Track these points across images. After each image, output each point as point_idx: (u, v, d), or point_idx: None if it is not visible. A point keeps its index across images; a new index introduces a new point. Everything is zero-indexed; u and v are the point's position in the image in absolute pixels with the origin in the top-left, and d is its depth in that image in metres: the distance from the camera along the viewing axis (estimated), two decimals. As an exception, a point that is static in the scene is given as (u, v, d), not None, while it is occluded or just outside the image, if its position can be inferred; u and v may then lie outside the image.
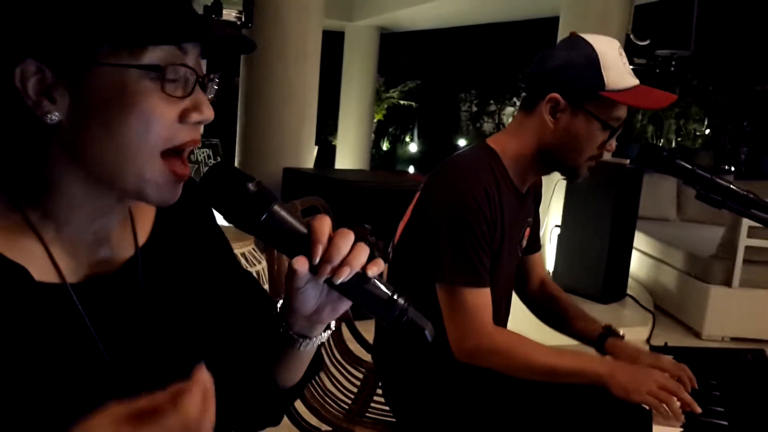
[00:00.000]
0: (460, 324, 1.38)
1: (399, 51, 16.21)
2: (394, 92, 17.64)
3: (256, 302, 0.88)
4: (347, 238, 0.69)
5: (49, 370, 0.67)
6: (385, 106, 17.34)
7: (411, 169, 16.53)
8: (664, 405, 1.21)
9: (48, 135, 0.65)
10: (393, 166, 17.53)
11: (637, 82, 1.39)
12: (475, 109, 20.60)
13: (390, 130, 19.29)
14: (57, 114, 0.63)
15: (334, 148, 10.89)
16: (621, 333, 1.54)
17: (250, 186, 0.68)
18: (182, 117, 0.67)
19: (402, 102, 17.82)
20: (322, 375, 1.70)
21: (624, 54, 1.41)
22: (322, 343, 0.84)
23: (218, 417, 0.63)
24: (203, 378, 0.57)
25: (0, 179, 0.69)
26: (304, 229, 0.69)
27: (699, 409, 1.21)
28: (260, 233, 0.69)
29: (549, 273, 4.33)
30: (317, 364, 0.92)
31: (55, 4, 0.61)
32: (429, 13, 8.54)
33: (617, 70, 1.36)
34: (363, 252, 0.70)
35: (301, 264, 0.68)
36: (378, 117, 16.40)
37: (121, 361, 0.72)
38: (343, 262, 0.68)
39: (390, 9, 8.45)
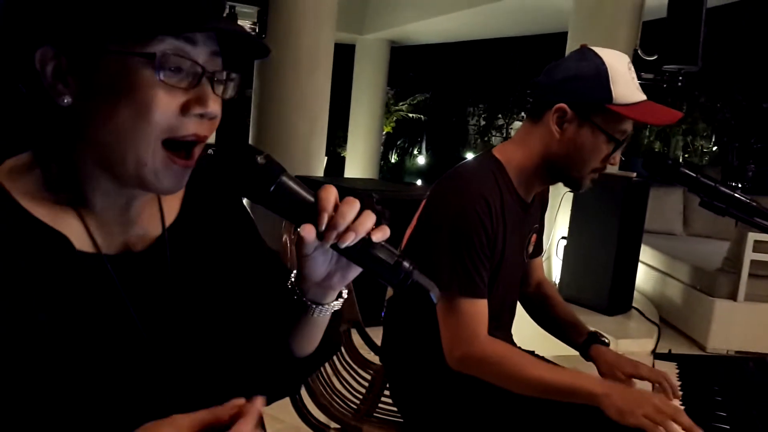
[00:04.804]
0: (453, 331, 1.39)
1: (409, 64, 16.26)
2: (403, 105, 17.68)
3: (278, 278, 0.91)
4: (353, 206, 0.72)
5: (86, 335, 0.71)
6: (394, 118, 17.37)
7: (419, 182, 16.54)
8: (661, 428, 1.16)
9: (65, 119, 0.69)
10: (401, 178, 17.49)
11: (644, 97, 1.40)
12: (483, 123, 20.57)
13: (398, 142, 19.29)
14: (68, 97, 0.68)
15: (343, 159, 10.94)
16: (606, 340, 1.54)
17: (259, 159, 0.71)
18: (184, 109, 0.69)
19: (411, 115, 17.86)
20: (332, 375, 1.74)
21: (633, 69, 1.41)
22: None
23: (237, 387, 0.67)
24: (257, 407, 0.62)
25: (39, 164, 0.73)
26: (311, 198, 0.73)
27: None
28: (269, 204, 0.72)
29: (551, 280, 4.34)
30: (334, 343, 0.95)
31: None
32: (439, 27, 8.59)
33: (625, 85, 1.37)
34: (368, 219, 0.73)
35: (308, 231, 0.72)
36: (387, 129, 16.44)
37: (153, 331, 0.76)
38: (348, 228, 0.71)
39: (400, 23, 8.51)
